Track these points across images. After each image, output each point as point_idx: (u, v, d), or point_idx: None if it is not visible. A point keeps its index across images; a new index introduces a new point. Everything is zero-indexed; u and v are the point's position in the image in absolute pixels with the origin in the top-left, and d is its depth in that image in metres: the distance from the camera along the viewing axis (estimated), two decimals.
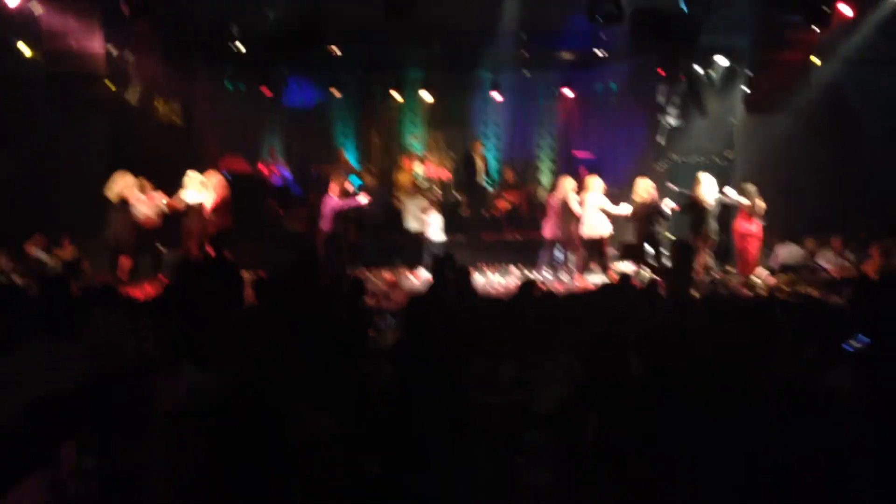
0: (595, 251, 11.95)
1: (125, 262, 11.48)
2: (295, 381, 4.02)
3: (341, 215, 12.10)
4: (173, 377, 4.58)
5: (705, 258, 11.72)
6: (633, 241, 12.12)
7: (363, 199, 12.38)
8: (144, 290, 10.32)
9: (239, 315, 6.19)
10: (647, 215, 11.52)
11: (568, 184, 12.27)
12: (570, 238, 12.08)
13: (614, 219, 12.17)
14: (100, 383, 4.49)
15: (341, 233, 12.25)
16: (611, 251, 12.47)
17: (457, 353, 4.63)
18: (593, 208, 11.83)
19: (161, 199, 11.74)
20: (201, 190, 11.59)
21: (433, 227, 12.54)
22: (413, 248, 12.95)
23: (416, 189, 15.08)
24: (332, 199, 11.92)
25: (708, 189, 11.59)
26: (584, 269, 12.12)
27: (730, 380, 4.17)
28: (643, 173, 13.37)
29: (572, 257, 12.33)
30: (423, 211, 12.76)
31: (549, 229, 12.41)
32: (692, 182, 11.98)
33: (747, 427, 3.60)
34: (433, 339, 4.62)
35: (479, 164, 14.91)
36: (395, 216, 14.71)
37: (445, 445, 3.40)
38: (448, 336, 4.82)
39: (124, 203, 11.31)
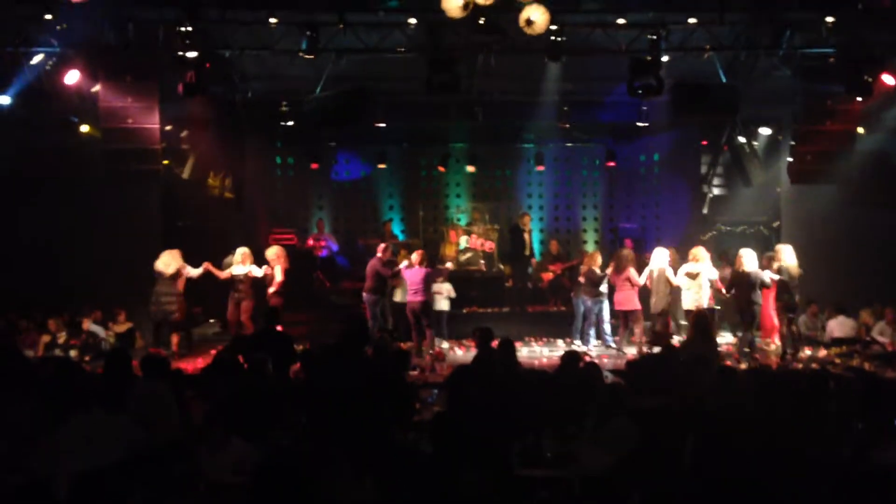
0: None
1: (175, 337, 11.68)
2: (339, 452, 4.06)
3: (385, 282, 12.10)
4: (220, 448, 4.65)
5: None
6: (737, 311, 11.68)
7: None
8: (194, 363, 10.47)
9: (286, 387, 6.27)
10: (750, 284, 11.07)
11: (663, 256, 11.79)
12: (661, 311, 11.65)
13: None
14: (148, 455, 4.57)
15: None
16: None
17: (500, 426, 4.63)
18: (703, 280, 11.29)
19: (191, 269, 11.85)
20: (250, 264, 11.72)
21: (442, 295, 12.49)
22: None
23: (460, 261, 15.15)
24: (380, 267, 11.91)
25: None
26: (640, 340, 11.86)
27: (779, 454, 4.11)
28: (689, 243, 13.28)
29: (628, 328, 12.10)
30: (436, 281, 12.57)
31: (618, 301, 11.94)
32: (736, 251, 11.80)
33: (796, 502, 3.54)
34: (476, 410, 4.64)
35: (527, 237, 15.01)
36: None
37: None
38: (491, 408, 4.83)
39: (174, 277, 11.54)
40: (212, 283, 12.27)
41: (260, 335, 8.90)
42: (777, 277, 11.12)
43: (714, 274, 11.46)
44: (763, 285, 10.99)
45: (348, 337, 8.21)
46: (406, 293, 11.92)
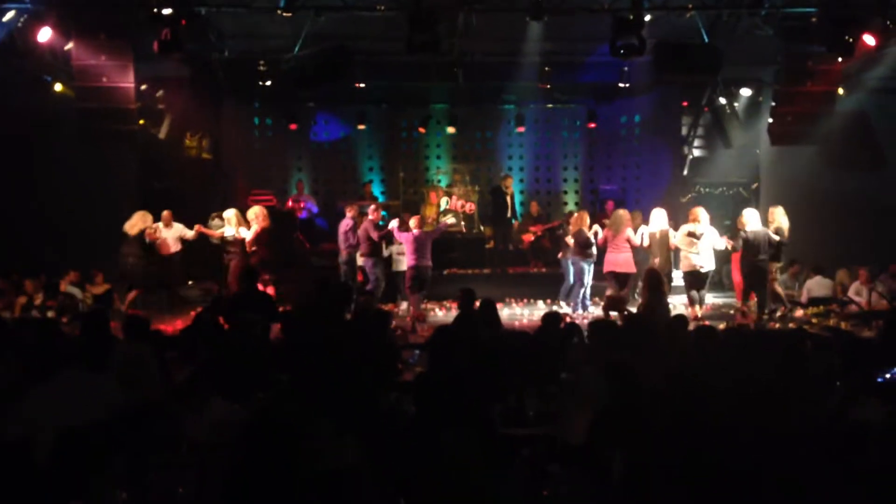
0: (697, 283, 11.28)
1: (130, 294, 11.66)
2: (321, 412, 4.05)
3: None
4: (201, 408, 4.63)
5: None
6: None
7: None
8: (174, 325, 10.43)
9: (268, 347, 6.25)
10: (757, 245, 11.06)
11: (663, 217, 11.54)
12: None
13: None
14: (130, 415, 4.55)
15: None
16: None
17: (482, 386, 4.64)
18: (706, 242, 11.17)
19: (186, 230, 11.93)
20: (240, 226, 11.59)
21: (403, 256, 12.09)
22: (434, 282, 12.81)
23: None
24: (369, 228, 11.76)
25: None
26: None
27: (758, 413, 4.15)
28: (668, 204, 13.29)
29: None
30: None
31: (617, 263, 11.46)
32: (718, 211, 11.86)
33: (776, 461, 3.57)
34: (458, 371, 4.64)
35: (509, 200, 14.98)
36: None
37: (471, 478, 3.40)
38: (473, 368, 4.84)
39: (138, 238, 11.53)
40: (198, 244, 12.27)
41: (240, 296, 8.86)
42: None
43: (717, 235, 11.31)
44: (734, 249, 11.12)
45: (328, 298, 8.22)
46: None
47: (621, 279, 11.48)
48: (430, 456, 3.55)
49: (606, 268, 11.54)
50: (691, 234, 11.08)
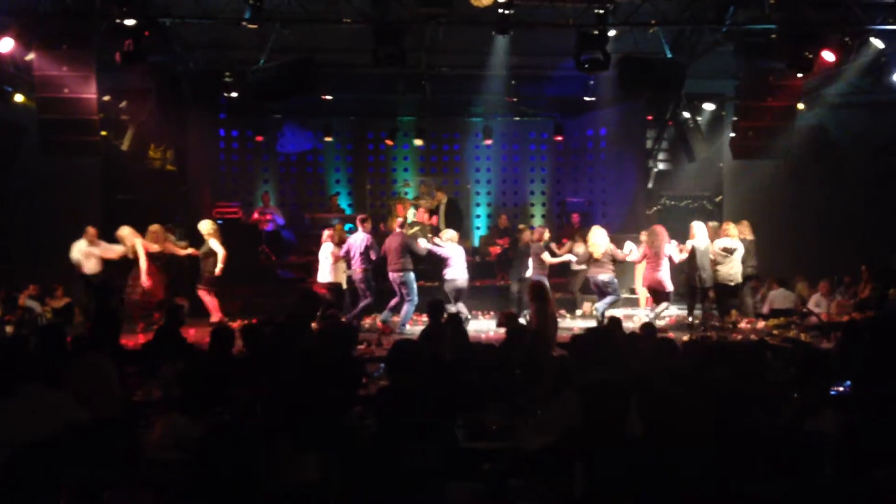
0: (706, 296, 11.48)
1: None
2: (282, 427, 4.03)
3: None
4: (161, 423, 4.58)
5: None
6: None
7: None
8: (136, 339, 10.29)
9: (229, 362, 6.19)
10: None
11: (705, 231, 11.51)
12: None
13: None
14: (88, 431, 4.49)
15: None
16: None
17: (444, 400, 4.64)
18: (737, 255, 11.42)
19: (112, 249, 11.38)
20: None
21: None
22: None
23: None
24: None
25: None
26: None
27: (716, 423, 4.19)
28: (634, 217, 13.44)
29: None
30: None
31: (660, 281, 11.24)
32: (683, 224, 12.00)
33: (733, 471, 3.60)
34: (419, 385, 4.64)
35: (441, 210, 15.01)
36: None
37: (431, 491, 3.40)
38: (434, 382, 4.84)
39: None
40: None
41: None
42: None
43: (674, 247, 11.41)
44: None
45: (294, 313, 8.16)
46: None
47: (662, 296, 11.40)
48: (391, 470, 3.54)
49: (647, 284, 11.54)
50: (725, 249, 11.44)
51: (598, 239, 11.46)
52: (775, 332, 10.77)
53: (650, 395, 4.66)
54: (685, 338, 9.93)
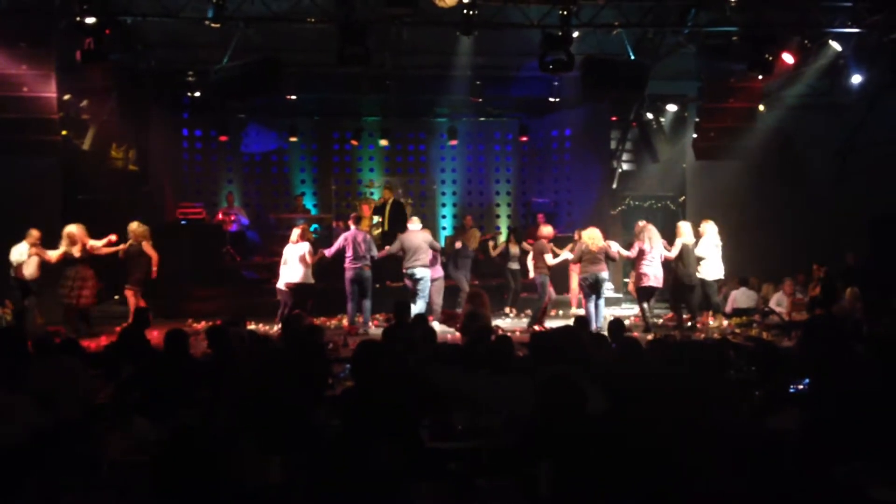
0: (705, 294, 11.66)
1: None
2: (246, 428, 4.00)
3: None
4: (122, 427, 4.53)
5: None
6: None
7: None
8: (97, 341, 10.13)
9: (187, 364, 6.12)
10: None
11: (690, 229, 11.71)
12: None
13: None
14: (48, 435, 4.42)
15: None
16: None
17: (409, 400, 4.64)
18: (715, 251, 11.58)
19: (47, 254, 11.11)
20: (72, 245, 10.96)
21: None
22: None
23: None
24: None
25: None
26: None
27: (678, 422, 4.23)
28: (599, 216, 13.50)
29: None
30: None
31: (657, 278, 11.45)
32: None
33: (696, 469, 3.64)
34: (383, 385, 4.63)
35: (387, 209, 15.01)
36: None
37: (396, 492, 3.39)
38: (399, 382, 4.83)
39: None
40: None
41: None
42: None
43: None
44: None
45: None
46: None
47: (650, 292, 11.65)
48: (356, 471, 3.52)
49: (645, 282, 11.51)
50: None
51: (596, 233, 11.51)
52: (738, 330, 10.91)
53: (614, 392, 4.72)
54: (649, 337, 10.04)
